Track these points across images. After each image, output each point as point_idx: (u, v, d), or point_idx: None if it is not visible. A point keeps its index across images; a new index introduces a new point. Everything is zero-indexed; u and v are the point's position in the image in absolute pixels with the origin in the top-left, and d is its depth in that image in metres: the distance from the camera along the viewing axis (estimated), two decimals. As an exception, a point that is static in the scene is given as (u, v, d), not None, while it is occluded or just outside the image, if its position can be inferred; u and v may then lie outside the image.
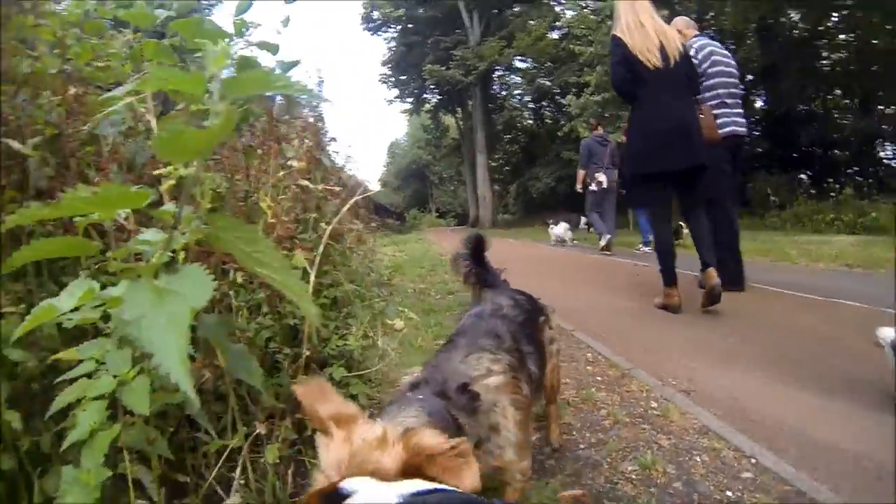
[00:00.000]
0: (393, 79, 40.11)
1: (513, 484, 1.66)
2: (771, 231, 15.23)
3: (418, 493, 0.81)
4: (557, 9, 29.81)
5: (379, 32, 38.99)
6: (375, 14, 37.33)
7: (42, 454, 1.52)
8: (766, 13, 18.53)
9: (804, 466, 2.34)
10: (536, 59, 31.82)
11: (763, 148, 21.92)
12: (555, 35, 29.60)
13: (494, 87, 39.49)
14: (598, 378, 3.57)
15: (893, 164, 21.91)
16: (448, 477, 0.92)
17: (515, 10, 32.50)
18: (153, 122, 1.89)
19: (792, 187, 19.06)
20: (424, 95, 40.65)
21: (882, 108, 21.29)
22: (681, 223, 8.66)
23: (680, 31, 5.57)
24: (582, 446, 2.67)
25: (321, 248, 2.25)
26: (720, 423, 2.83)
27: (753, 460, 2.44)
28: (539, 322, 2.26)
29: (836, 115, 22.32)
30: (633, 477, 2.37)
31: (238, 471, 1.82)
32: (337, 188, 2.57)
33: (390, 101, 42.93)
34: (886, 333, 2.87)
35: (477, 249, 2.63)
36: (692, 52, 5.52)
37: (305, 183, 2.34)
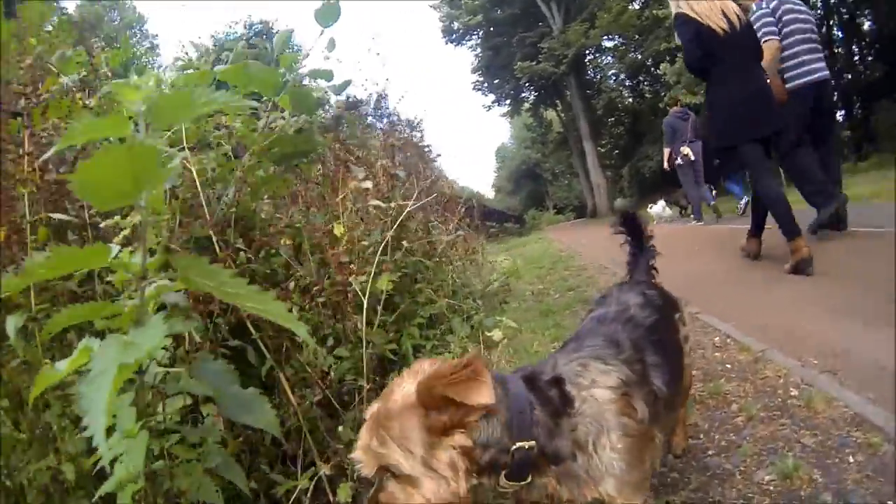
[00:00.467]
0: (486, 84, 40.14)
1: None
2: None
3: None
4: (633, -22, 28.76)
5: (462, 42, 39.06)
6: (455, 25, 37.41)
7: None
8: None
9: None
10: (623, 35, 30.81)
11: (880, 73, 20.01)
12: (636, 6, 28.55)
13: (588, 72, 38.70)
14: (728, 366, 3.15)
15: None
16: (463, 395, 1.09)
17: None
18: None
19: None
20: (521, 95, 40.55)
21: None
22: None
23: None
24: (710, 452, 2.31)
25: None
26: (876, 409, 2.32)
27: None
28: (674, 321, 1.93)
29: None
30: (772, 489, 1.98)
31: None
32: (407, 202, 2.41)
33: (488, 107, 42.87)
34: None
35: (631, 229, 2.30)
36: (763, 4, 5.63)
37: (376, 202, 2.22)
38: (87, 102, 2.22)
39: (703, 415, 2.63)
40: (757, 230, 5.42)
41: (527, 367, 1.43)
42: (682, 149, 11.18)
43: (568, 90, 36.21)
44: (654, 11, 21.93)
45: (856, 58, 24.25)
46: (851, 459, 2.04)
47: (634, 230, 2.29)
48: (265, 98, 2.83)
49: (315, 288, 1.98)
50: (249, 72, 2.63)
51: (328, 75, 2.63)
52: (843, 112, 25.79)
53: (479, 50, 39.11)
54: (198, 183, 1.91)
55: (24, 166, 1.76)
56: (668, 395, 1.57)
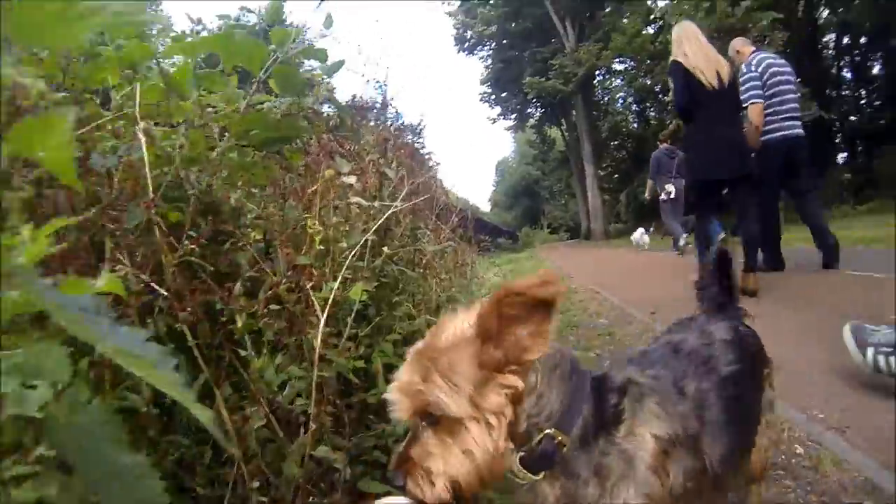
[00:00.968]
0: (493, 96, 40.27)
1: None
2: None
3: None
4: (649, 2, 28.61)
5: (474, 52, 39.11)
6: (468, 34, 37.43)
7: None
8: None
9: None
10: (635, 58, 30.74)
11: (886, 119, 20.11)
12: (650, 30, 28.49)
13: (596, 93, 38.71)
14: None
15: None
16: (539, 293, 1.02)
17: (608, 10, 31.47)
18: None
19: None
20: (528, 110, 40.71)
21: None
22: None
23: (738, 51, 6.81)
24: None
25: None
26: (890, 475, 2.11)
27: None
28: (759, 377, 1.61)
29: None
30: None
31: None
32: (397, 203, 2.13)
33: (493, 120, 42.76)
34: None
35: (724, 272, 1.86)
36: (752, 67, 6.32)
37: (357, 200, 1.94)
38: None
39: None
40: (749, 266, 5.73)
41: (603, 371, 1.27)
42: (666, 186, 11.88)
43: (574, 110, 36.16)
44: (668, 36, 21.86)
45: (863, 101, 24.31)
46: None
47: (725, 270, 1.86)
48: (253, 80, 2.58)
49: (269, 292, 1.69)
50: (234, 41, 2.37)
51: (322, 55, 2.37)
52: (845, 154, 25.91)
53: (489, 61, 39.14)
54: (146, 160, 1.62)
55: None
56: (721, 473, 1.28)
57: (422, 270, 2.80)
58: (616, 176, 40.08)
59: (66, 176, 0.71)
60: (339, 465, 1.58)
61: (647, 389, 1.22)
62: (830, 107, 22.20)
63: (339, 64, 2.34)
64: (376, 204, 1.95)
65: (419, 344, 1.18)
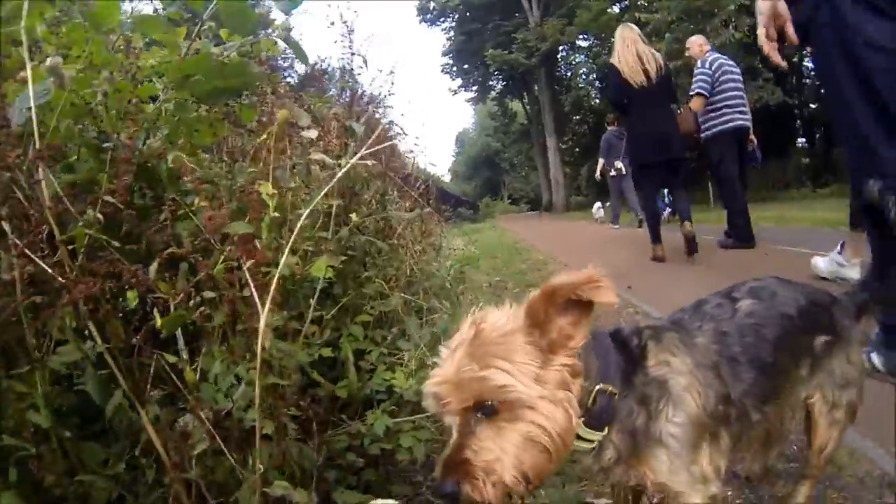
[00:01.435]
0: (455, 68, 39.93)
1: None
2: None
3: None
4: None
5: (437, 23, 38.66)
6: (432, 5, 36.90)
7: None
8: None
9: None
10: (599, 36, 30.52)
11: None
12: (616, 9, 28.26)
13: (559, 68, 38.53)
14: None
15: None
16: (588, 295, 1.06)
17: (573, -16, 31.04)
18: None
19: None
20: (489, 83, 40.37)
21: None
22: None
23: (699, 46, 7.82)
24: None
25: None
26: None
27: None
28: (811, 340, 1.51)
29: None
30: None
31: None
32: (366, 162, 1.78)
33: (455, 92, 42.34)
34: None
35: None
36: (707, 65, 7.25)
37: (320, 157, 1.60)
38: None
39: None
40: (656, 237, 6.99)
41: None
42: (615, 163, 13.28)
43: (536, 83, 36.03)
44: (637, 14, 21.72)
45: (823, 91, 24.36)
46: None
47: None
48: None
49: (203, 274, 1.34)
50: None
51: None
52: (804, 140, 26.31)
53: (452, 33, 38.60)
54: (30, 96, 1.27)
55: None
56: (745, 408, 1.35)
57: (392, 242, 2.49)
58: (577, 150, 40.04)
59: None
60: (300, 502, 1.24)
61: (662, 329, 1.33)
62: (793, 94, 22.74)
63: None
64: (342, 162, 1.60)
65: (459, 336, 1.15)
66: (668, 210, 12.01)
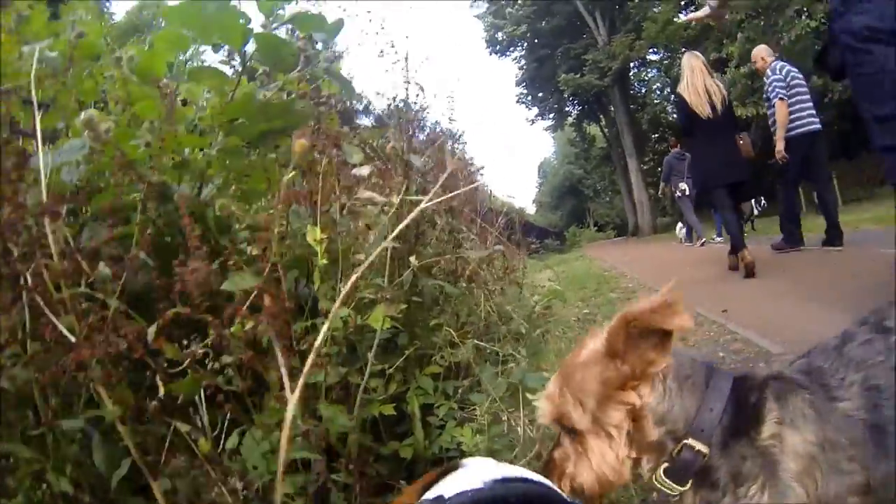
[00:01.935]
0: (530, 97, 39.80)
1: None
2: None
3: (505, 480, 0.84)
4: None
5: (506, 54, 38.65)
6: (499, 35, 36.99)
7: None
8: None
9: None
10: (669, 47, 29.80)
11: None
12: (682, 16, 27.57)
13: (633, 86, 37.92)
14: None
15: None
16: (661, 321, 1.03)
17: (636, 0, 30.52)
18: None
19: None
20: (565, 108, 40.00)
21: None
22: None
23: (763, 58, 7.89)
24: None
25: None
26: None
27: None
28: None
29: None
30: None
31: None
32: (425, 199, 1.58)
33: (532, 121, 42.18)
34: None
35: None
36: (777, 71, 7.48)
37: (369, 195, 1.42)
38: None
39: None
40: (740, 244, 6.82)
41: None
42: (680, 184, 13.60)
43: (612, 105, 35.44)
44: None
45: None
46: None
47: None
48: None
49: (220, 342, 1.17)
50: (205, 11, 1.90)
51: (318, 23, 1.88)
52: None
53: (522, 62, 38.59)
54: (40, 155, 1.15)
55: None
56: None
57: (465, 283, 2.29)
58: (659, 169, 39.02)
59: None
60: None
61: (794, 384, 1.09)
62: None
63: (339, 24, 1.84)
64: (395, 200, 1.42)
65: (567, 357, 1.24)
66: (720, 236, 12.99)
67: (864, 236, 8.03)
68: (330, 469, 1.58)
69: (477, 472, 0.89)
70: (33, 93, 1.49)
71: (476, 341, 2.06)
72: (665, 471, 1.12)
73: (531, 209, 66.60)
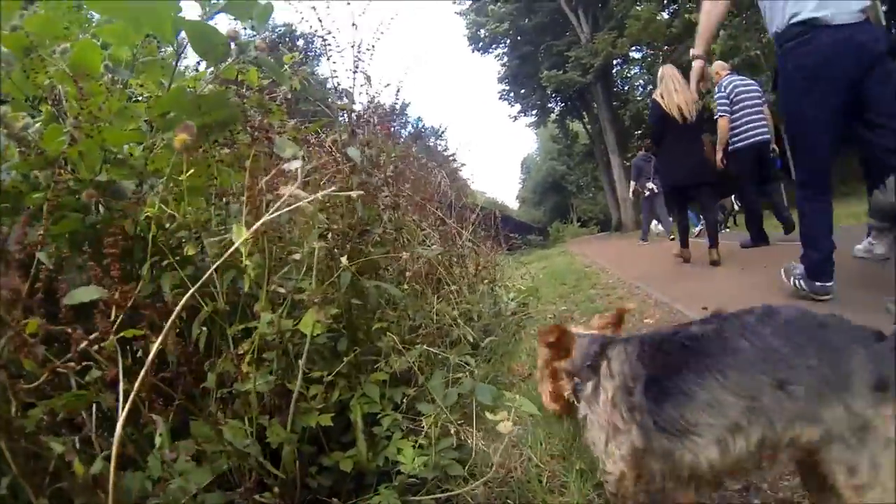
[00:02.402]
0: (513, 94, 39.71)
1: None
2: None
3: None
4: (662, -14, 27.85)
5: (489, 51, 38.55)
6: (482, 32, 36.91)
7: None
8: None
9: None
10: (651, 45, 29.83)
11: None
12: (665, 15, 27.59)
13: (616, 83, 37.91)
14: None
15: None
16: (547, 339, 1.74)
17: (619, -3, 30.54)
18: None
19: None
20: (548, 105, 39.90)
21: None
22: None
23: (717, 73, 8.42)
24: None
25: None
26: None
27: None
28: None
29: None
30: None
31: None
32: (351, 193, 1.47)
33: (514, 118, 42.02)
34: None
35: None
36: (722, 88, 8.15)
37: (294, 191, 1.31)
38: None
39: None
40: (685, 242, 8.24)
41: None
42: (647, 184, 14.83)
43: (595, 101, 35.37)
44: (687, 16, 21.17)
45: None
46: None
47: None
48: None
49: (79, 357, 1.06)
50: (134, 2, 1.79)
51: (248, 8, 1.76)
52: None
53: (505, 59, 38.51)
54: None
55: None
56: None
57: (418, 285, 2.18)
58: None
59: None
60: None
61: (621, 343, 1.60)
62: None
63: (269, 8, 1.73)
64: (319, 195, 1.31)
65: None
66: (700, 227, 13.94)
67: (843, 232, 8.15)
68: (262, 486, 1.48)
69: None
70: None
71: (426, 347, 1.96)
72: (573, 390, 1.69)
73: (514, 205, 66.66)
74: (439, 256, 2.78)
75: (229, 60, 1.79)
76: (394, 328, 1.94)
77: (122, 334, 1.12)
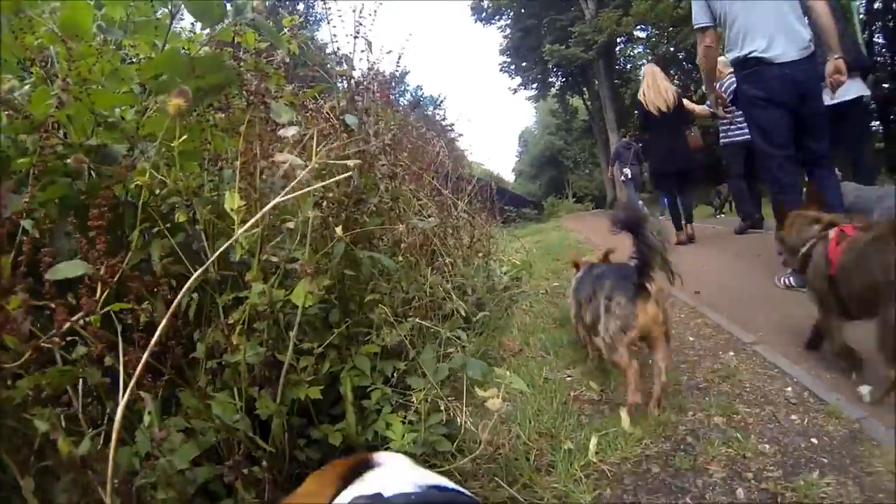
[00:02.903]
0: (514, 66, 39.28)
1: None
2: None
3: (438, 488, 0.86)
4: (671, -32, 27.41)
5: (492, 22, 38.10)
6: (485, 3, 36.46)
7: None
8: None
9: None
10: (657, 25, 29.51)
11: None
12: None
13: (619, 61, 37.55)
14: (813, 441, 2.22)
15: None
16: None
17: (626, -26, 30.10)
18: None
19: None
20: (549, 79, 39.47)
21: None
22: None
23: (720, 70, 8.14)
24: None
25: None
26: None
27: None
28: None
29: None
30: None
31: None
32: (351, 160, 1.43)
33: (514, 90, 41.54)
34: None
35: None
36: (722, 88, 7.96)
37: (285, 157, 1.27)
38: None
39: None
40: (678, 226, 8.59)
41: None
42: (624, 169, 15.38)
43: (596, 78, 35.03)
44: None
45: None
46: None
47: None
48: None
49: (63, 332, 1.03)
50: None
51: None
52: (877, 123, 24.91)
53: (508, 31, 38.05)
54: None
55: None
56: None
57: (410, 256, 2.16)
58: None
59: None
60: None
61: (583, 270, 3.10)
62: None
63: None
64: (314, 163, 1.27)
65: None
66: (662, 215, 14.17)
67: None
68: (251, 458, 1.47)
69: (404, 473, 0.90)
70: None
71: (418, 320, 1.94)
72: None
73: (511, 178, 66.37)
74: (434, 228, 2.75)
75: (226, 22, 1.74)
76: (387, 300, 1.93)
77: (108, 308, 1.09)
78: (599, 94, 35.29)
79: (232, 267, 1.66)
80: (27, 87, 1.85)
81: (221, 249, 1.22)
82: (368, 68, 2.36)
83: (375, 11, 2.13)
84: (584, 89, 38.80)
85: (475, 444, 1.78)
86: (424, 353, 1.88)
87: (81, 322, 1.05)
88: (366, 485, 0.87)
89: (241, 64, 1.75)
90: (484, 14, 37.58)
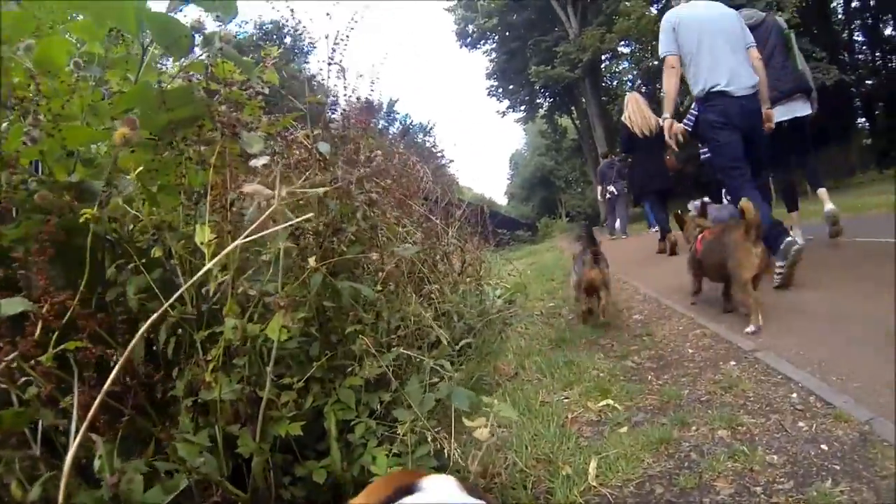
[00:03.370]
0: (501, 90, 39.63)
1: None
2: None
3: None
4: (650, -17, 27.81)
5: (477, 46, 38.45)
6: (470, 28, 36.83)
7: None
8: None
9: None
10: (640, 40, 29.82)
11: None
12: (654, 10, 27.57)
13: (605, 78, 37.89)
14: (823, 447, 2.12)
15: None
16: None
17: (607, -7, 30.48)
18: None
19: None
20: (536, 101, 39.84)
21: None
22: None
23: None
24: None
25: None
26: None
27: None
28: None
29: None
30: None
31: None
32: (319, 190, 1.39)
33: (503, 113, 41.85)
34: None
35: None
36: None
37: (253, 188, 1.24)
38: None
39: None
40: (662, 236, 9.41)
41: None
42: (608, 188, 16.45)
43: (583, 97, 35.40)
44: (676, 13, 21.23)
45: (878, 63, 23.79)
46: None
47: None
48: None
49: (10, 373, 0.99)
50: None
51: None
52: (864, 120, 25.09)
53: (493, 55, 38.42)
54: None
55: None
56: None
57: (391, 285, 2.12)
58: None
59: None
60: None
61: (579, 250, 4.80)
62: (847, 70, 22.03)
63: (232, 3, 1.66)
64: (284, 193, 1.24)
65: None
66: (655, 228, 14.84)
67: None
68: (228, 500, 1.41)
69: (452, 495, 0.80)
70: None
71: (402, 350, 1.89)
72: None
73: (503, 201, 66.63)
74: (421, 254, 2.71)
75: (198, 53, 1.71)
76: (369, 330, 1.88)
77: (61, 348, 1.05)
78: (587, 111, 35.64)
79: (210, 302, 1.62)
80: (4, 124, 1.82)
81: (189, 284, 1.18)
82: (344, 94, 2.34)
83: (347, 37, 2.11)
84: (573, 108, 39.22)
85: (468, 474, 1.73)
86: (410, 383, 1.83)
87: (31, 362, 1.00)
88: None
89: (218, 96, 1.72)
90: (469, 39, 38.00)
